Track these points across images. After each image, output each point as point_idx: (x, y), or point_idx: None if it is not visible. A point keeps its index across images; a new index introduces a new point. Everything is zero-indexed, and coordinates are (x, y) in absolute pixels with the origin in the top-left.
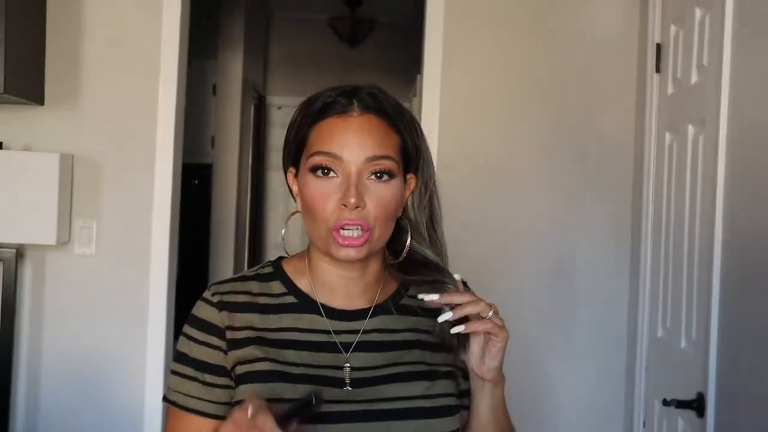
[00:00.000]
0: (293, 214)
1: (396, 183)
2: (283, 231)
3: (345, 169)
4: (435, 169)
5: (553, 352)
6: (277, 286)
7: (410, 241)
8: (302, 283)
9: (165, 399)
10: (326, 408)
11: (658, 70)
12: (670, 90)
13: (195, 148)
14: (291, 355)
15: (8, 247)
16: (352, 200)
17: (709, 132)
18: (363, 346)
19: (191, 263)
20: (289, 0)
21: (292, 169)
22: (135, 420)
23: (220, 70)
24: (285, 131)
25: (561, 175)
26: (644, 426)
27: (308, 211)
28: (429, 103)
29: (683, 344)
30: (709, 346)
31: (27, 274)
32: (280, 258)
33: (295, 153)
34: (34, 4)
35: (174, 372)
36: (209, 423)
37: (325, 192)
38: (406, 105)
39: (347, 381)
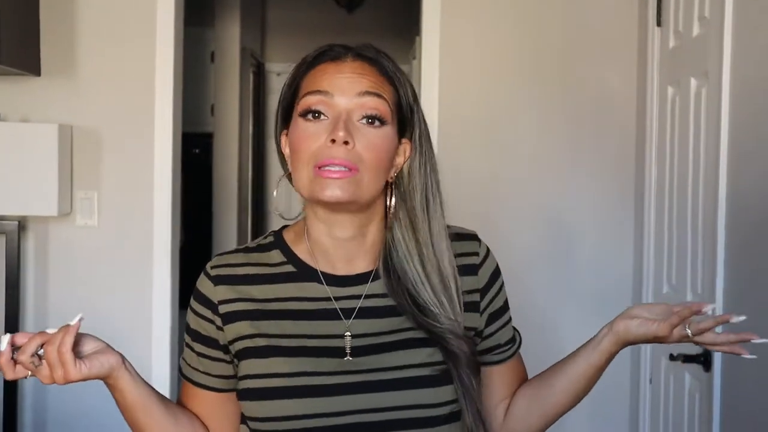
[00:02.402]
0: (283, 177)
1: (387, 131)
2: (274, 193)
3: (335, 108)
4: (434, 142)
5: (557, 311)
6: (276, 255)
7: (397, 226)
8: (300, 250)
9: (178, 367)
10: (326, 380)
11: (659, 23)
12: (671, 43)
13: (195, 117)
14: (288, 326)
15: (10, 219)
16: (341, 134)
17: (711, 85)
18: (364, 313)
19: (194, 233)
20: None
21: (285, 131)
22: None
23: (218, 38)
24: None
25: (563, 131)
26: (651, 382)
27: (294, 156)
28: (428, 64)
29: (689, 299)
30: (715, 300)
31: (30, 246)
32: (284, 227)
33: (288, 106)
34: None
35: (184, 342)
36: (212, 396)
37: (313, 133)
38: (405, 68)
39: (348, 350)
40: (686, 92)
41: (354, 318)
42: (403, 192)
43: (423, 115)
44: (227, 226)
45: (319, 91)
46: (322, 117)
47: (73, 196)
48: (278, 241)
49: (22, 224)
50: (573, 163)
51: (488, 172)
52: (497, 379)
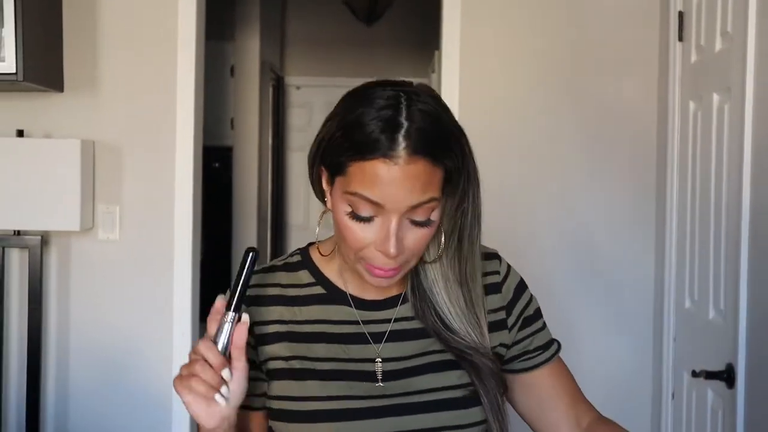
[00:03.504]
0: (325, 212)
1: (436, 216)
2: (317, 230)
3: (386, 216)
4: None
5: (579, 325)
6: (304, 276)
7: (427, 256)
8: (330, 272)
9: None
10: (357, 404)
11: (680, 38)
12: (693, 58)
13: (215, 130)
14: (320, 349)
15: (33, 234)
16: (392, 251)
17: (734, 100)
18: (394, 336)
19: (214, 245)
20: None
21: (323, 169)
22: (163, 404)
23: (238, 52)
24: (303, 111)
25: (583, 145)
26: (673, 397)
27: (339, 233)
28: (448, 78)
29: (711, 315)
30: (738, 316)
31: (52, 260)
32: (310, 244)
33: (329, 165)
34: None
35: None
36: (249, 415)
37: (360, 231)
38: (424, 80)
39: (379, 375)
40: (708, 107)
41: (384, 342)
42: (438, 229)
43: (473, 164)
44: (247, 239)
45: (369, 201)
46: (373, 219)
47: (95, 210)
48: (306, 261)
49: (44, 239)
50: (593, 176)
51: (507, 185)
52: (532, 387)
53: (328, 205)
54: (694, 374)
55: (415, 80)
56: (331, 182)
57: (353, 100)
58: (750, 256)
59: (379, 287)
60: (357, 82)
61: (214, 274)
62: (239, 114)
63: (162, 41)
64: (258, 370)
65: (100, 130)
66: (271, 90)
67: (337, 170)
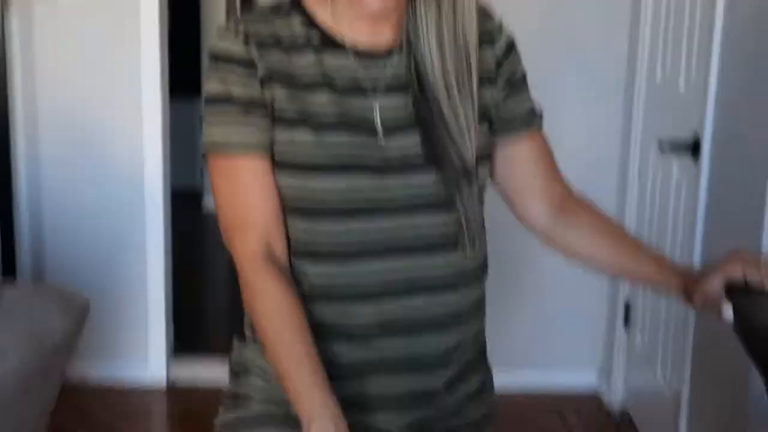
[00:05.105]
0: None
1: None
2: None
3: None
4: None
5: (551, 97)
6: (297, 22)
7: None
8: (323, 17)
9: (207, 152)
10: (361, 160)
11: None
12: None
13: None
14: (320, 99)
15: None
16: None
17: None
18: (393, 87)
19: (183, 14)
20: None
21: None
22: (135, 172)
23: None
24: None
25: None
26: (639, 175)
27: None
28: None
29: (682, 88)
30: (708, 86)
31: (14, 27)
32: None
33: None
34: None
35: (208, 119)
36: (259, 162)
37: None
38: None
39: (378, 126)
40: None
41: (383, 92)
42: None
43: None
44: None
45: None
46: None
47: None
48: (294, 5)
49: (5, 3)
50: None
51: None
52: (511, 158)
53: None
54: (661, 146)
55: None
56: None
57: None
58: (724, 28)
59: (372, 22)
60: None
61: (184, 45)
62: None
63: None
64: (267, 109)
65: None
66: None
67: None
